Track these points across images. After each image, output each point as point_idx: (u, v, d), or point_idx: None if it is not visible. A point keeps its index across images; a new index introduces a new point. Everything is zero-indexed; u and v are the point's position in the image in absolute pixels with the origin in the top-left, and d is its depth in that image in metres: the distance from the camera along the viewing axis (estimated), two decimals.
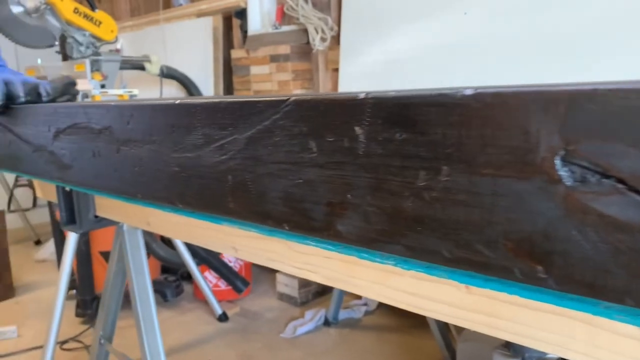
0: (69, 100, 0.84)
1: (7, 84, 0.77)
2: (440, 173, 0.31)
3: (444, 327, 1.81)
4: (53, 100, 0.82)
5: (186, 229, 0.73)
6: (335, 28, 2.12)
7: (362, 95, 0.34)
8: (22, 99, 0.79)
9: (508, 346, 1.13)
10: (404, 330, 2.02)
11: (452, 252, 0.31)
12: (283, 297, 2.33)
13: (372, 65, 1.91)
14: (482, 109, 0.28)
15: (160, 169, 0.53)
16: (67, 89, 0.85)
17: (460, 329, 1.75)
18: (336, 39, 2.15)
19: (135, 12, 3.29)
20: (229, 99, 0.45)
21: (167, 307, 2.29)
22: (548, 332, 0.38)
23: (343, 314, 2.11)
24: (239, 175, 0.45)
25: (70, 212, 1.05)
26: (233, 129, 0.44)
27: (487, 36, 1.63)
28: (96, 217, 1.05)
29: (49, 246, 2.99)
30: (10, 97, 0.78)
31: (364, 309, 2.16)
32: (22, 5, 1.98)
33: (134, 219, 0.88)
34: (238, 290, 2.22)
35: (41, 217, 3.40)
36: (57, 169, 0.72)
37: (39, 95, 0.80)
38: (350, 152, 0.35)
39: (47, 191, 1.25)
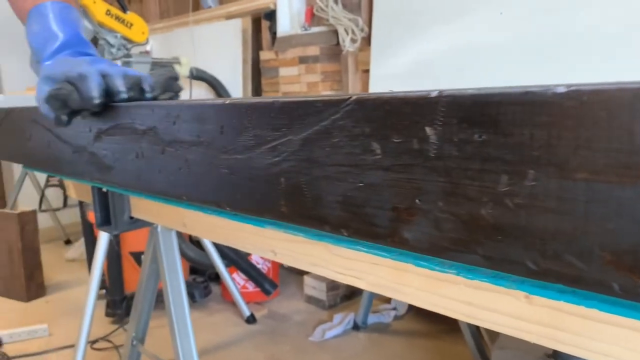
0: (171, 98, 0.70)
1: (105, 77, 0.64)
2: (526, 177, 0.28)
3: (477, 333, 1.77)
4: (155, 98, 0.68)
5: (224, 231, 0.71)
6: (366, 29, 2.10)
7: (434, 94, 0.32)
8: (124, 95, 0.64)
9: (555, 356, 1.09)
10: (435, 335, 1.98)
11: (537, 263, 0.29)
12: (311, 299, 2.31)
13: (404, 66, 1.88)
14: (576, 107, 0.26)
15: (208, 171, 0.52)
16: (170, 85, 0.70)
17: (494, 335, 1.70)
18: (366, 40, 2.12)
19: (165, 14, 3.31)
20: (284, 98, 0.43)
21: (196, 308, 2.29)
22: (627, 349, 0.35)
23: (372, 318, 2.08)
24: (292, 178, 0.43)
25: (106, 213, 1.05)
26: (287, 129, 0.43)
27: (525, 36, 1.59)
28: (131, 218, 1.05)
29: (79, 246, 3.02)
30: (109, 94, 0.64)
31: (393, 313, 2.13)
32: None
33: (169, 221, 0.87)
34: (266, 293, 2.21)
35: (71, 217, 3.45)
36: (97, 170, 0.72)
37: (141, 90, 0.66)
38: (420, 154, 0.33)
39: (81, 192, 1.25)
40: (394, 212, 0.35)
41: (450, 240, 0.33)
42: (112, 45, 2.19)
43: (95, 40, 2.23)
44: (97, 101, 0.62)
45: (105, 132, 0.66)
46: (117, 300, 2.14)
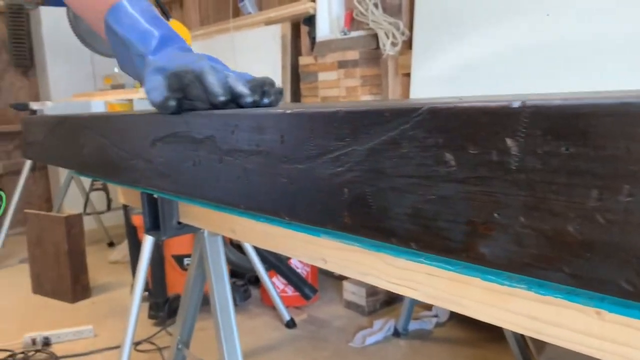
0: (270, 104, 0.65)
1: (227, 76, 0.62)
2: (621, 193, 0.27)
3: (523, 342, 1.72)
4: (270, 104, 0.65)
5: (274, 238, 0.71)
6: (407, 32, 2.08)
7: (516, 104, 0.31)
8: (249, 99, 0.62)
9: None
10: (478, 343, 1.94)
11: (634, 283, 0.27)
12: (350, 305, 2.30)
13: (447, 69, 1.86)
14: None
15: (267, 180, 0.51)
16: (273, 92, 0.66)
17: (540, 345, 1.66)
18: (407, 44, 2.11)
19: (205, 21, 3.36)
20: (348, 107, 0.42)
21: (236, 312, 2.31)
22: None
23: (413, 325, 2.06)
24: (357, 189, 0.42)
25: (155, 218, 1.06)
26: (351, 139, 0.42)
27: (572, 38, 1.55)
28: (179, 223, 1.06)
29: (122, 248, 3.09)
30: (233, 95, 0.62)
31: (434, 320, 2.09)
32: None
33: (218, 226, 0.88)
34: (306, 297, 2.21)
35: (114, 220, 3.53)
36: (151, 177, 0.73)
37: (263, 94, 0.63)
38: (500, 167, 0.32)
39: (129, 197, 1.28)
40: (469, 226, 0.34)
41: (532, 257, 0.31)
42: None
43: None
44: (222, 98, 0.61)
45: (162, 140, 0.67)
46: (160, 303, 2.17)
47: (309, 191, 0.47)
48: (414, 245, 0.39)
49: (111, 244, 3.45)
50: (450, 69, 1.84)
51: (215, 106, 0.61)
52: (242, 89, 0.62)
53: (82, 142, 0.94)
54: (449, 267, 0.45)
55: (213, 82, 0.60)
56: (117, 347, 1.87)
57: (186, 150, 0.62)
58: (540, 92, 1.47)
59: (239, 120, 0.53)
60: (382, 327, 2.04)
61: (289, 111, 0.48)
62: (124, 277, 2.82)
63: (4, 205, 0.75)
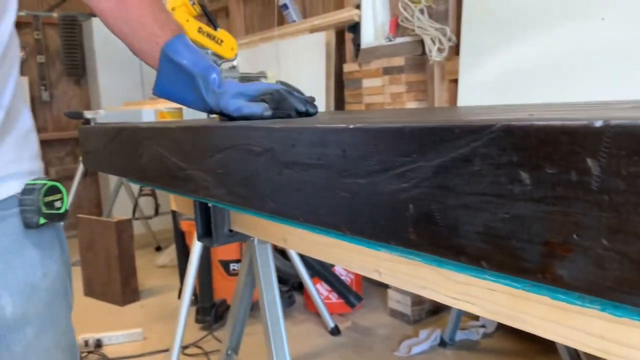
0: (288, 116, 0.79)
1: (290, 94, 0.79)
2: None
3: (576, 355, 1.67)
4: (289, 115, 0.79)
5: (326, 248, 0.71)
6: (454, 38, 2.05)
7: (599, 123, 0.30)
8: (313, 110, 0.79)
9: None
10: (527, 355, 1.89)
11: None
12: (395, 313, 2.28)
13: (495, 75, 1.82)
14: None
15: (327, 194, 0.52)
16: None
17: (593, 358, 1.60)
18: (454, 49, 2.08)
19: (250, 30, 3.42)
20: (414, 123, 0.42)
21: None
22: None
23: (460, 335, 2.02)
24: (423, 206, 0.42)
25: (207, 226, 1.08)
26: (418, 155, 0.42)
27: (628, 43, 1.49)
28: (230, 231, 1.07)
29: (169, 252, 3.16)
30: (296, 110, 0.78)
31: (482, 330, 2.05)
32: None
33: (270, 236, 0.89)
34: (351, 305, 2.21)
35: (161, 224, 3.62)
36: (209, 187, 0.74)
37: (313, 107, 0.80)
38: (580, 187, 0.31)
39: (181, 204, 1.31)
40: (545, 247, 0.34)
41: (614, 280, 0.30)
42: None
43: None
44: (303, 109, 0.79)
45: (221, 152, 0.68)
46: (207, 307, 2.21)
47: (372, 206, 0.47)
48: (485, 264, 0.38)
49: (158, 248, 3.54)
50: (500, 75, 1.81)
51: (299, 114, 0.79)
52: (302, 106, 0.80)
53: (140, 152, 0.97)
54: (516, 284, 0.44)
55: (295, 98, 0.79)
56: (166, 350, 1.91)
57: (245, 163, 0.63)
58: (596, 99, 1.43)
59: (300, 134, 0.54)
60: (428, 336, 2.02)
61: (352, 126, 0.48)
62: (171, 281, 2.88)
63: (65, 200, 0.77)
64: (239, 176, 0.66)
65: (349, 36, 2.58)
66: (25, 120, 0.78)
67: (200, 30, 2.23)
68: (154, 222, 3.57)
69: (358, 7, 2.44)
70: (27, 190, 0.73)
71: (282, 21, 2.92)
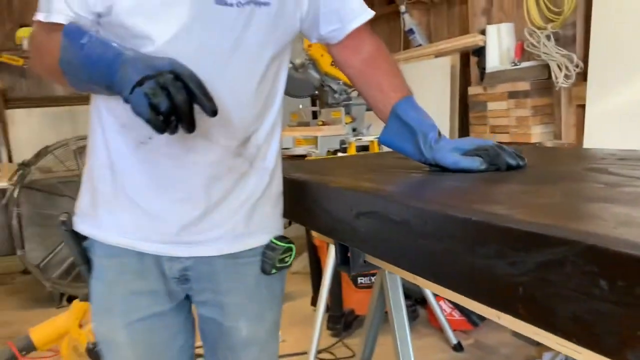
0: (498, 169, 0.91)
1: (502, 149, 0.92)
2: None
3: None
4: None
5: (450, 294, 0.85)
6: (581, 65, 2.06)
7: None
8: (522, 163, 0.91)
9: None
10: None
11: None
12: (518, 333, 2.31)
13: (624, 105, 1.81)
14: None
15: (452, 265, 0.66)
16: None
17: None
18: (582, 75, 2.08)
19: None
20: (523, 227, 0.56)
21: None
22: None
23: None
24: (529, 290, 0.55)
25: (345, 256, 1.26)
26: (525, 253, 0.55)
27: None
28: (365, 262, 1.24)
29: (302, 259, 3.42)
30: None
31: None
32: (292, 63, 2.38)
33: (400, 272, 1.04)
34: (473, 324, 2.29)
35: (293, 232, 3.91)
36: (354, 240, 0.92)
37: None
38: None
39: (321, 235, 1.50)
40: (618, 336, 0.46)
41: None
42: (335, 91, 2.50)
43: (319, 88, 2.56)
44: (516, 164, 0.91)
45: (365, 215, 0.86)
46: (337, 316, 2.42)
47: (489, 283, 0.61)
48: (575, 340, 0.51)
49: None
50: (628, 105, 1.80)
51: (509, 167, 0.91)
52: (514, 161, 0.92)
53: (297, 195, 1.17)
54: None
55: (507, 153, 0.91)
56: (303, 353, 2.14)
57: (385, 227, 0.80)
58: None
59: (430, 217, 0.69)
60: (552, 359, 2.04)
61: (473, 218, 0.62)
62: (303, 287, 3.13)
63: (293, 256, 0.99)
64: (378, 235, 0.82)
65: (473, 60, 2.65)
66: (279, 179, 1.02)
67: (333, 64, 2.44)
68: (287, 231, 3.86)
69: (483, 32, 2.51)
70: (271, 247, 0.98)
71: (407, 45, 3.06)
